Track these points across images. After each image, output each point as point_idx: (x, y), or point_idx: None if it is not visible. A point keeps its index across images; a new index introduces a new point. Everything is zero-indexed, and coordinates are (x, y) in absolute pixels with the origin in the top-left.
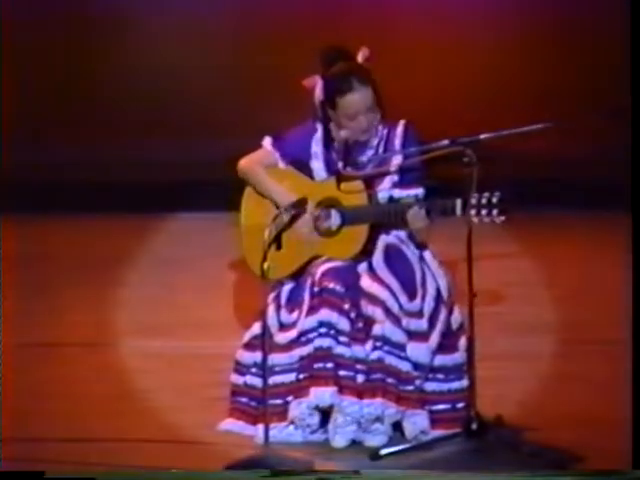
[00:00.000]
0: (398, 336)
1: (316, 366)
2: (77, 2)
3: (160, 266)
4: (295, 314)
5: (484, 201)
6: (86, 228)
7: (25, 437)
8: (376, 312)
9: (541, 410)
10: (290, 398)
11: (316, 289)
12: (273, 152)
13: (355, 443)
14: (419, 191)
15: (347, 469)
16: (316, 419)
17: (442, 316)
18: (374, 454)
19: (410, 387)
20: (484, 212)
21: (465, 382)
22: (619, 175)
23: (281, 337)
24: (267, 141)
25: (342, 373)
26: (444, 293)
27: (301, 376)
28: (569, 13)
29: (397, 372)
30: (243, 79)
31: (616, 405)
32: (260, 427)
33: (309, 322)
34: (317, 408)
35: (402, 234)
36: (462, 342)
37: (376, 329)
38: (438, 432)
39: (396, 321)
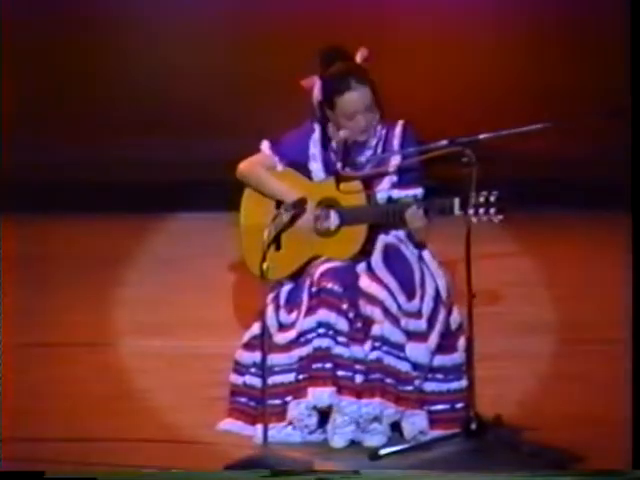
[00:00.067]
0: (397, 336)
1: (315, 366)
2: (77, 2)
3: (160, 266)
4: (294, 314)
5: (482, 200)
6: (86, 228)
7: (25, 437)
8: (375, 312)
9: (541, 410)
10: (289, 398)
11: (315, 289)
12: (271, 155)
13: (354, 443)
14: (418, 191)
15: (346, 469)
16: (314, 419)
17: (441, 316)
18: (373, 454)
19: (409, 387)
20: (482, 211)
21: (464, 382)
22: (619, 175)
23: (280, 337)
24: (265, 145)
25: (341, 373)
26: (443, 293)
27: (300, 376)
28: (569, 13)
29: (396, 372)
30: (243, 79)
31: (616, 405)
32: (259, 427)
33: (308, 322)
34: (316, 408)
35: (401, 234)
36: (461, 342)
37: (375, 329)
38: (437, 432)
39: (395, 321)
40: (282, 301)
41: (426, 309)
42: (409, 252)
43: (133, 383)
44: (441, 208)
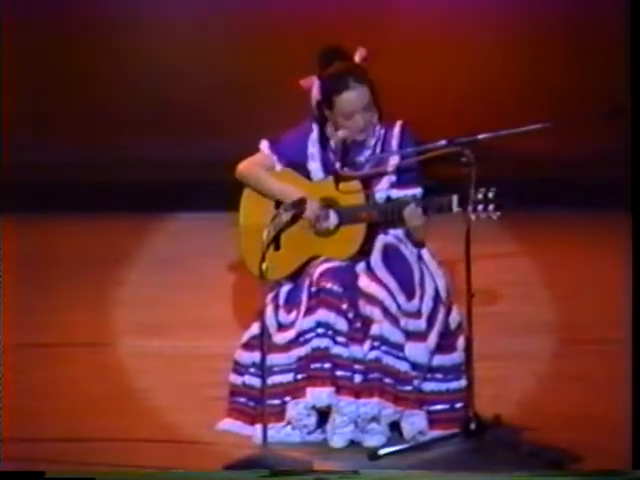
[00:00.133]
0: (396, 336)
1: (313, 366)
2: (77, 2)
3: (159, 266)
4: (293, 314)
5: (480, 196)
6: (86, 228)
7: (25, 437)
8: (374, 312)
9: (540, 410)
10: (288, 398)
11: (314, 289)
12: (270, 155)
13: (353, 443)
14: (417, 191)
15: (346, 469)
16: (313, 419)
17: (440, 316)
18: (372, 454)
19: (408, 387)
20: (480, 208)
21: (463, 382)
22: (619, 175)
23: (279, 337)
24: (264, 145)
25: (339, 373)
26: (442, 293)
27: (299, 376)
28: (569, 13)
29: (395, 372)
30: (243, 79)
31: (616, 405)
32: (258, 427)
33: (307, 322)
34: (314, 408)
35: (400, 233)
36: (460, 342)
37: (374, 329)
38: (436, 432)
39: (394, 321)
40: (281, 301)
41: (425, 309)
42: (408, 252)
43: (132, 383)
44: (439, 206)
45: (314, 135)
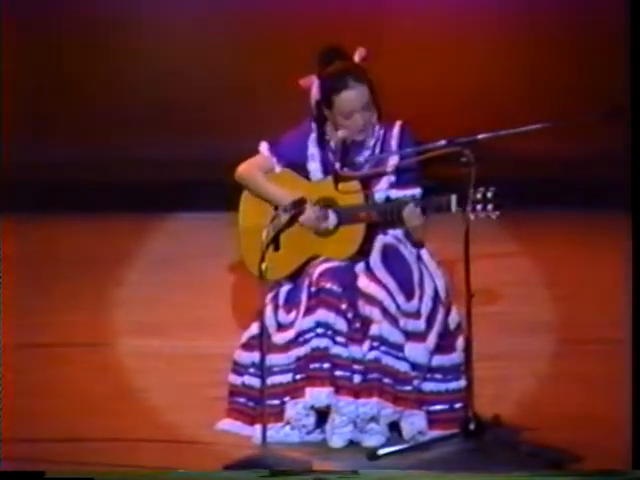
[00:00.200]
0: (395, 336)
1: (312, 366)
2: (77, 2)
3: (159, 266)
4: (293, 314)
5: (479, 196)
6: (86, 228)
7: (25, 437)
8: (373, 312)
9: (540, 410)
10: (287, 398)
11: (313, 289)
12: (270, 157)
13: (353, 443)
14: (416, 191)
15: (345, 469)
16: (312, 420)
17: (440, 316)
18: (372, 454)
19: (408, 387)
20: (479, 207)
21: (463, 382)
22: (619, 175)
23: (279, 337)
24: (264, 146)
25: (339, 373)
26: (442, 293)
27: (298, 376)
28: (569, 13)
29: (394, 372)
30: (243, 79)
31: (616, 405)
32: (258, 427)
33: (306, 322)
34: (313, 408)
35: (399, 233)
36: (460, 342)
37: (373, 329)
38: (436, 432)
39: (393, 321)
40: (281, 301)
41: (425, 309)
42: (408, 252)
43: (132, 383)
44: (438, 205)
45: (314, 135)
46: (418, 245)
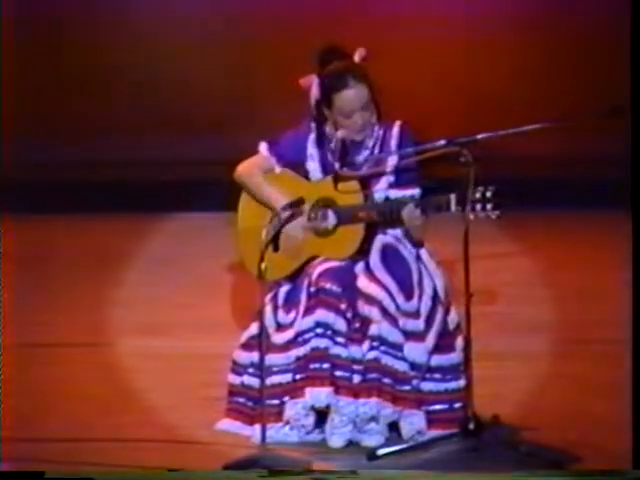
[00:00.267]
0: (395, 336)
1: (312, 366)
2: (77, 2)
3: (158, 266)
4: (292, 314)
5: (478, 195)
6: (86, 228)
7: (25, 437)
8: (373, 312)
9: (539, 410)
10: (286, 398)
11: (313, 289)
12: (269, 157)
13: (352, 443)
14: (415, 191)
15: (344, 469)
16: (311, 420)
17: (439, 316)
18: (371, 454)
19: (407, 387)
20: (479, 207)
21: (462, 382)
22: (619, 175)
23: (278, 337)
24: (263, 147)
25: (338, 373)
26: (441, 293)
27: (297, 376)
28: (569, 13)
29: (394, 372)
30: (244, 79)
31: (616, 405)
32: (257, 427)
33: (306, 322)
34: (313, 408)
35: (399, 233)
36: (459, 342)
37: (373, 329)
38: (435, 432)
39: (393, 321)
40: (280, 301)
41: (424, 309)
42: (407, 252)
43: (132, 383)
44: (437, 205)
45: (313, 135)
46: (417, 245)
